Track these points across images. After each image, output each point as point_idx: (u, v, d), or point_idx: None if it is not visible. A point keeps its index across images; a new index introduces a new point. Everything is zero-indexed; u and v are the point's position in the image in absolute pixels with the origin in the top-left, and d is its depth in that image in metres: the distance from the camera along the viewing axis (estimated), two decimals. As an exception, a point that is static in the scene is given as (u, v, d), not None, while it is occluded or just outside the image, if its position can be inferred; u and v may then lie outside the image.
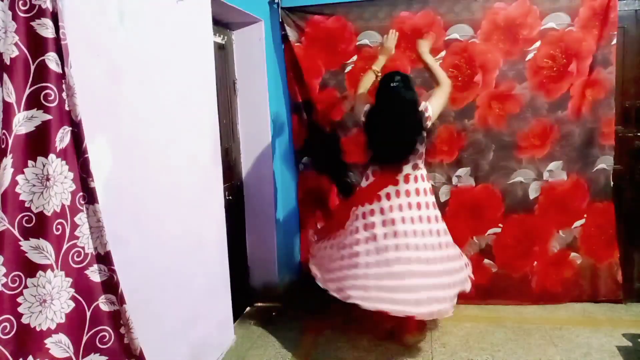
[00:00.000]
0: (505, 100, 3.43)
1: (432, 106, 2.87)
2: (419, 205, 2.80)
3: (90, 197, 1.67)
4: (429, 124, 2.87)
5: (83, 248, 1.66)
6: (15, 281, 1.47)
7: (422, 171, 2.89)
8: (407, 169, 2.83)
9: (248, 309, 3.73)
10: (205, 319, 2.69)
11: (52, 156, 1.53)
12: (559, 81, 3.35)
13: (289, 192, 3.92)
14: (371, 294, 2.70)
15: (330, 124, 3.70)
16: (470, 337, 3.14)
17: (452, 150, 3.53)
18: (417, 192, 2.83)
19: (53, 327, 1.56)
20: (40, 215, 1.51)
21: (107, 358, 1.73)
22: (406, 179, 2.82)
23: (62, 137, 1.57)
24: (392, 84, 2.78)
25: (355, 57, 3.60)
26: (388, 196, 2.81)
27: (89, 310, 1.68)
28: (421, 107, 2.83)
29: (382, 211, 2.80)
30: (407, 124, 2.78)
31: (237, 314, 3.39)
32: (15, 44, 1.44)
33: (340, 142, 3.69)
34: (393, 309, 2.66)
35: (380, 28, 3.55)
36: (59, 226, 1.57)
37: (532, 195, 3.47)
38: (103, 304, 1.72)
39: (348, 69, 3.63)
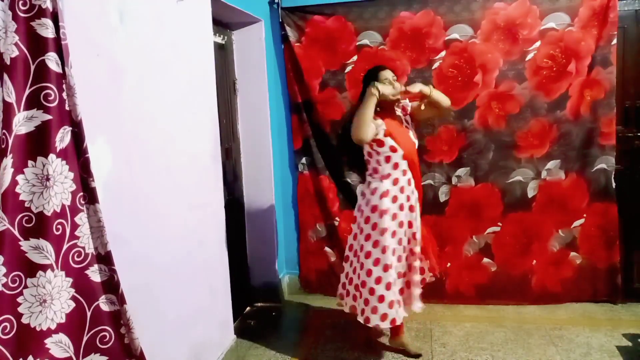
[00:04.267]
0: (505, 100, 3.43)
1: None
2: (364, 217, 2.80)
3: (90, 197, 1.66)
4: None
5: (83, 248, 1.66)
6: (15, 281, 1.47)
7: (370, 178, 2.80)
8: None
9: (248, 309, 3.74)
10: (205, 319, 2.69)
11: (52, 156, 1.53)
12: (558, 81, 3.36)
13: (289, 192, 3.92)
14: None
15: (330, 124, 3.70)
16: (470, 337, 3.14)
17: (451, 150, 3.53)
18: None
19: (53, 327, 1.56)
20: (40, 215, 1.51)
21: (107, 358, 1.73)
22: None
23: (62, 137, 1.57)
24: None
25: (355, 57, 3.61)
26: None
27: (89, 310, 1.68)
28: None
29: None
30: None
31: (237, 314, 3.39)
32: (15, 44, 1.44)
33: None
34: None
35: (380, 28, 3.55)
36: (59, 226, 1.57)
37: (531, 193, 3.48)
38: (103, 304, 1.72)
39: (348, 69, 3.63)
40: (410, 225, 2.76)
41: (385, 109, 2.72)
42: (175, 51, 2.40)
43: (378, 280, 2.65)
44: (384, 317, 2.65)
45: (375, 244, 2.67)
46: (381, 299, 2.64)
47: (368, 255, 2.68)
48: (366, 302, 2.68)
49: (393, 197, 2.70)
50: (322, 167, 3.77)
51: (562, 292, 3.52)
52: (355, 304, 2.82)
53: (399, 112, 2.84)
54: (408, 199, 2.75)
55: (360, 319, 2.72)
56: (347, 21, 3.58)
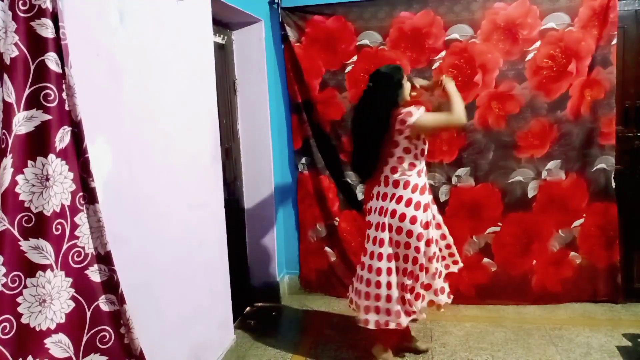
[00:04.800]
0: (505, 100, 3.43)
1: (422, 117, 2.58)
2: (392, 213, 2.66)
3: (90, 197, 1.66)
4: (405, 130, 2.59)
5: (83, 248, 1.66)
6: (14, 281, 1.47)
7: (400, 176, 2.66)
8: (386, 170, 2.70)
9: (248, 309, 3.73)
10: (205, 319, 2.69)
11: (51, 156, 1.53)
12: (558, 81, 3.35)
13: (289, 192, 3.92)
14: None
15: (330, 124, 3.70)
16: (470, 337, 3.14)
17: (452, 150, 3.53)
18: (392, 197, 2.66)
19: (53, 327, 1.56)
20: (40, 215, 1.51)
21: (107, 358, 1.73)
22: (385, 181, 2.70)
23: (62, 137, 1.57)
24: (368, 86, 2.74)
25: (355, 57, 3.60)
26: (377, 195, 2.73)
27: (89, 310, 1.68)
28: (403, 112, 2.60)
29: (372, 210, 2.75)
30: (366, 127, 2.70)
31: (237, 314, 3.39)
32: (15, 44, 1.44)
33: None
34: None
35: (380, 28, 3.55)
36: (59, 226, 1.57)
37: (531, 194, 3.48)
38: (103, 304, 1.72)
39: (348, 69, 3.63)
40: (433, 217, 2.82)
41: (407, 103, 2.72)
42: (175, 51, 2.40)
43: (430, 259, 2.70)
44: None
45: (427, 242, 2.66)
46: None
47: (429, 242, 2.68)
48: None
49: (428, 189, 2.74)
50: (322, 167, 3.77)
51: (562, 292, 3.52)
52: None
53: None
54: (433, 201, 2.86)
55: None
56: (347, 21, 3.58)
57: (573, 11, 3.29)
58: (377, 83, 2.71)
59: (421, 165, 2.70)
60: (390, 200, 2.66)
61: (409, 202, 2.62)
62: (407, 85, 2.74)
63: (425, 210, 2.65)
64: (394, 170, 2.68)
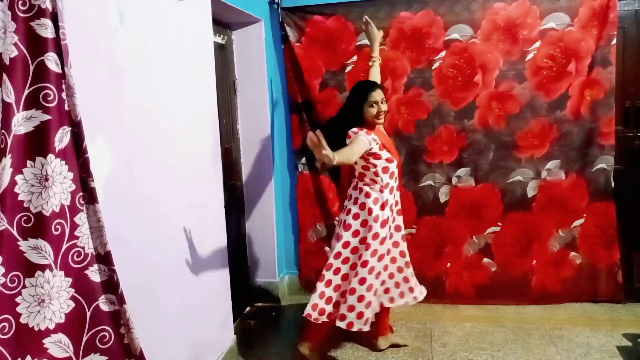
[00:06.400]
0: (505, 100, 3.43)
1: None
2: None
3: (90, 197, 1.66)
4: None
5: (83, 248, 1.66)
6: (13, 281, 1.47)
7: (362, 188, 2.72)
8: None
9: (248, 309, 3.73)
10: (205, 319, 2.69)
11: (51, 156, 1.53)
12: (558, 81, 3.35)
13: (289, 192, 3.92)
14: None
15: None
16: (470, 337, 3.14)
17: (452, 150, 3.53)
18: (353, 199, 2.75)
19: (52, 327, 1.56)
20: (39, 215, 1.51)
21: (107, 358, 1.73)
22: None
23: (62, 137, 1.57)
24: None
25: (355, 57, 3.61)
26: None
27: (89, 310, 1.68)
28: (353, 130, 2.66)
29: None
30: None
31: (237, 313, 3.39)
32: (15, 44, 1.44)
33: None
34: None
35: (380, 28, 3.52)
36: (58, 226, 1.57)
37: (531, 193, 3.48)
38: (103, 304, 1.72)
39: (348, 69, 3.63)
40: (398, 228, 2.85)
41: (372, 124, 2.71)
42: (175, 51, 2.40)
43: (369, 288, 2.69)
44: (366, 321, 2.72)
45: (374, 253, 2.68)
46: (368, 305, 2.70)
47: (365, 264, 2.67)
48: (351, 308, 2.69)
49: (390, 204, 2.74)
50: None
51: (562, 292, 3.52)
52: (333, 310, 2.78)
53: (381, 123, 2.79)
54: (397, 203, 2.83)
55: (342, 324, 2.72)
56: (347, 21, 3.58)
57: (573, 11, 3.29)
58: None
59: (384, 181, 2.69)
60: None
61: (376, 219, 2.67)
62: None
63: (383, 225, 2.68)
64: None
